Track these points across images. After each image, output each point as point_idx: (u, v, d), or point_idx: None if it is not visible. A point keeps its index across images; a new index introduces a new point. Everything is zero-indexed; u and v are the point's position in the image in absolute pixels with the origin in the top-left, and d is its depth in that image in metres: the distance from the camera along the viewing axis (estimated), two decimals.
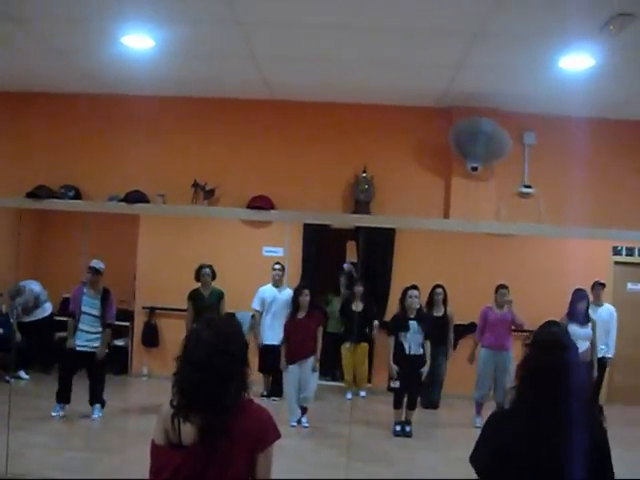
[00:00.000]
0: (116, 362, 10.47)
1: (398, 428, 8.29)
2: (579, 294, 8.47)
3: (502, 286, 9.04)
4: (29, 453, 6.54)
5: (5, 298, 9.98)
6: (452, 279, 9.97)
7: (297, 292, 8.37)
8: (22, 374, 10.03)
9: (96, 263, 8.17)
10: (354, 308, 9.63)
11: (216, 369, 2.54)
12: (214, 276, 8.93)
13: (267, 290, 9.64)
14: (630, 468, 6.98)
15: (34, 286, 10.24)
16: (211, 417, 2.54)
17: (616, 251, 10.81)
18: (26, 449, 6.55)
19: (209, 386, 2.53)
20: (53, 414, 7.96)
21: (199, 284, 8.89)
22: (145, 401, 9.57)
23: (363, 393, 10.13)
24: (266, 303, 9.54)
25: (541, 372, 2.71)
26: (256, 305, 9.62)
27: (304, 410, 8.39)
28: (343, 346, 9.86)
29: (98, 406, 8.13)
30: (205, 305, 8.63)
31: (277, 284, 9.59)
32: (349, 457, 6.26)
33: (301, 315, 8.30)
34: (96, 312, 8.07)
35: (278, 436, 2.67)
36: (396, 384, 8.20)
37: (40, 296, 10.20)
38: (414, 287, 8.43)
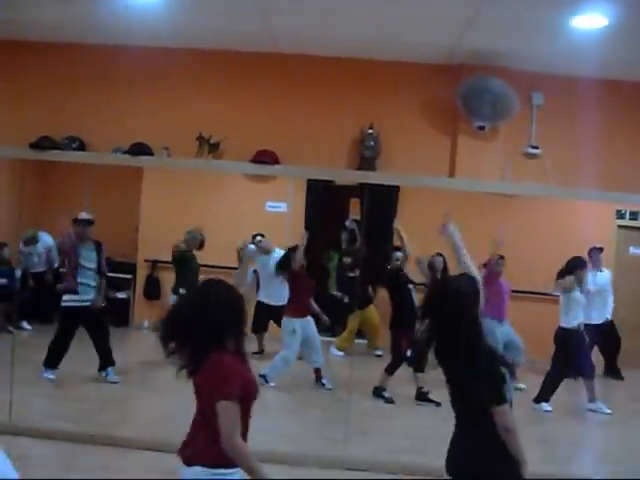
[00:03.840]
0: (118, 314, 10.50)
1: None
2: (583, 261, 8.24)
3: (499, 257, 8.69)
4: (33, 403, 6.59)
5: (14, 246, 9.91)
6: None
7: (293, 250, 8.13)
8: (24, 325, 10.06)
9: (85, 215, 7.71)
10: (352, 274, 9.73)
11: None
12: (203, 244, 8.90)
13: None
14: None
15: (47, 238, 10.22)
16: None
17: (620, 214, 10.79)
18: (29, 399, 6.59)
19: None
20: (51, 376, 7.45)
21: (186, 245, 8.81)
22: (146, 353, 9.63)
23: (380, 352, 9.92)
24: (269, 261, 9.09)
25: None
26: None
27: (319, 372, 8.14)
28: (351, 315, 9.86)
29: (111, 368, 7.68)
30: (196, 269, 8.79)
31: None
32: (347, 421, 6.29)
33: (302, 272, 8.14)
34: (93, 265, 7.69)
35: (224, 397, 2.81)
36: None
37: (52, 249, 10.16)
38: (398, 249, 7.98)
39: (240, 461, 2.81)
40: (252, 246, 9.01)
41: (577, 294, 7.81)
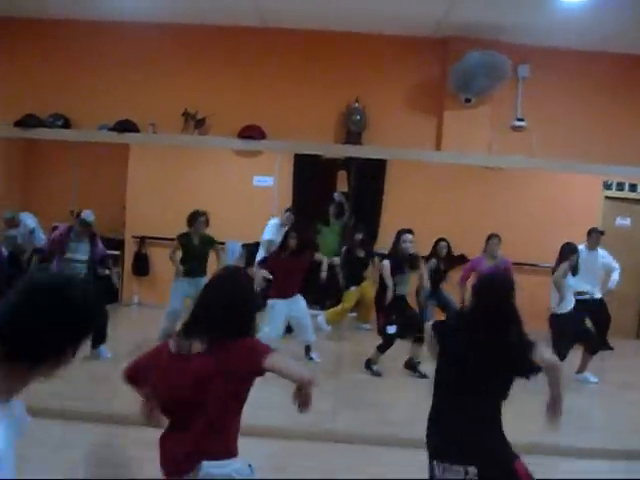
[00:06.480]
0: (106, 291, 10.50)
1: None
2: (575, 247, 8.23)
3: (494, 235, 8.88)
4: None
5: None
6: (442, 211, 10.00)
7: (285, 235, 8.11)
8: None
9: (87, 215, 7.61)
10: (358, 255, 9.64)
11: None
12: (207, 223, 8.41)
13: (278, 225, 9.40)
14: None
15: (29, 221, 9.93)
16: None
17: (607, 186, 10.81)
18: None
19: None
20: None
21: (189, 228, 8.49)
22: (136, 329, 9.65)
23: (368, 326, 9.80)
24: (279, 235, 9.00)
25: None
26: (269, 234, 9.35)
27: (309, 347, 8.10)
28: (348, 292, 9.65)
29: (104, 345, 7.69)
30: (194, 250, 8.32)
31: (285, 224, 9.27)
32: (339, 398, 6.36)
33: (287, 255, 7.97)
34: (85, 257, 7.64)
35: (270, 351, 2.87)
36: (393, 329, 7.54)
37: (35, 230, 9.95)
38: (409, 231, 7.76)
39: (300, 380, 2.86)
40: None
41: (570, 280, 7.84)
